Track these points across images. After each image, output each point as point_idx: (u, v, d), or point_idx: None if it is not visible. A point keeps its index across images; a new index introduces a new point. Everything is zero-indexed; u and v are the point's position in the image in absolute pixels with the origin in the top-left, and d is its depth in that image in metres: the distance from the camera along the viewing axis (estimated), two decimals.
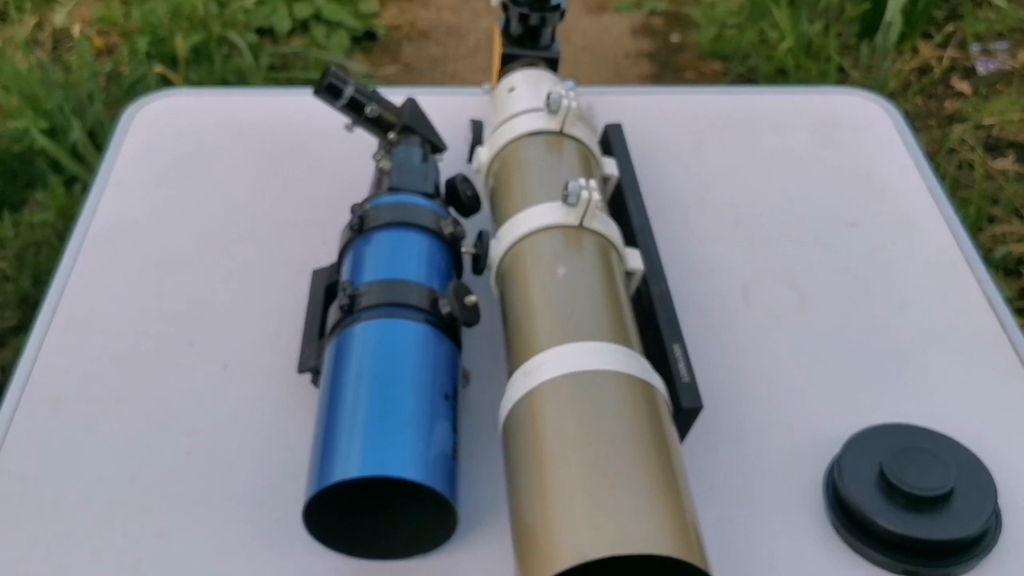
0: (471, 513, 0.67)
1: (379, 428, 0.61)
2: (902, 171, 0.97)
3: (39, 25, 2.31)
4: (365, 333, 0.67)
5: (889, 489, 0.65)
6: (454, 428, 0.64)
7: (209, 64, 2.17)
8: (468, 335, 0.79)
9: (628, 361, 0.63)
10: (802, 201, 0.94)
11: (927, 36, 2.52)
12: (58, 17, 2.11)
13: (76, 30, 2.03)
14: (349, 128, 0.87)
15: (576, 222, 0.73)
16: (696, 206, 0.93)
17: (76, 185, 1.86)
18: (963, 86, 2.39)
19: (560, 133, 0.83)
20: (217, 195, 0.92)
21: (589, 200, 0.72)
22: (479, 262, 0.76)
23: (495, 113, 0.90)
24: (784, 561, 0.66)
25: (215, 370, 0.77)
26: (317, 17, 2.58)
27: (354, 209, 0.76)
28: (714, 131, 1.02)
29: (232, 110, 1.04)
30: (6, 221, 1.76)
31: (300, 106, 1.04)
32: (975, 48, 2.49)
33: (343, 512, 0.64)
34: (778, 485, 0.70)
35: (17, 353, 0.79)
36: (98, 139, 1.93)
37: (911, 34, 2.43)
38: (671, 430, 0.61)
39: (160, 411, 0.74)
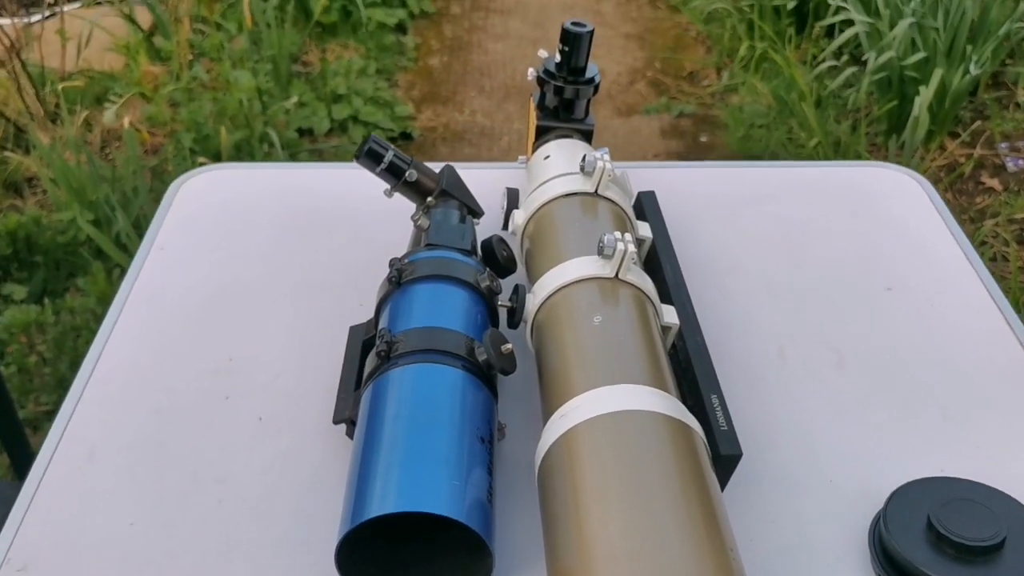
0: (506, 565, 0.65)
1: (415, 466, 0.60)
2: (937, 238, 0.97)
3: (88, 126, 2.40)
4: (402, 377, 0.67)
5: (938, 540, 0.63)
6: (490, 472, 0.64)
7: (250, 159, 2.24)
8: (503, 392, 0.79)
9: (666, 403, 0.63)
10: (836, 267, 0.94)
11: (954, 135, 2.55)
12: (107, 115, 2.20)
13: (124, 124, 2.10)
14: (388, 193, 0.89)
15: (612, 274, 0.74)
16: (729, 271, 0.94)
17: (117, 272, 1.90)
18: (993, 182, 2.41)
19: (595, 194, 0.85)
20: (256, 260, 0.94)
21: (624, 252, 0.73)
22: (515, 315, 0.77)
23: (530, 180, 0.92)
24: None
25: (251, 422, 0.77)
26: (355, 118, 2.66)
27: (392, 263, 0.77)
28: (745, 202, 1.03)
29: (271, 182, 1.07)
30: (47, 307, 1.79)
31: (336, 179, 1.08)
32: (1003, 147, 2.52)
33: (376, 556, 0.63)
34: (821, 538, 0.68)
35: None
36: (142, 230, 1.97)
37: (938, 132, 2.46)
38: (711, 474, 0.60)
39: (194, 461, 0.74)
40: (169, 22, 2.45)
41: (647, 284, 0.75)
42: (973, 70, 2.26)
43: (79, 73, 2.55)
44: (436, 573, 0.63)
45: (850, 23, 2.59)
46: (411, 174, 0.87)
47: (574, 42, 0.94)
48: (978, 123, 2.56)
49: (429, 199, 0.88)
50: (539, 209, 0.85)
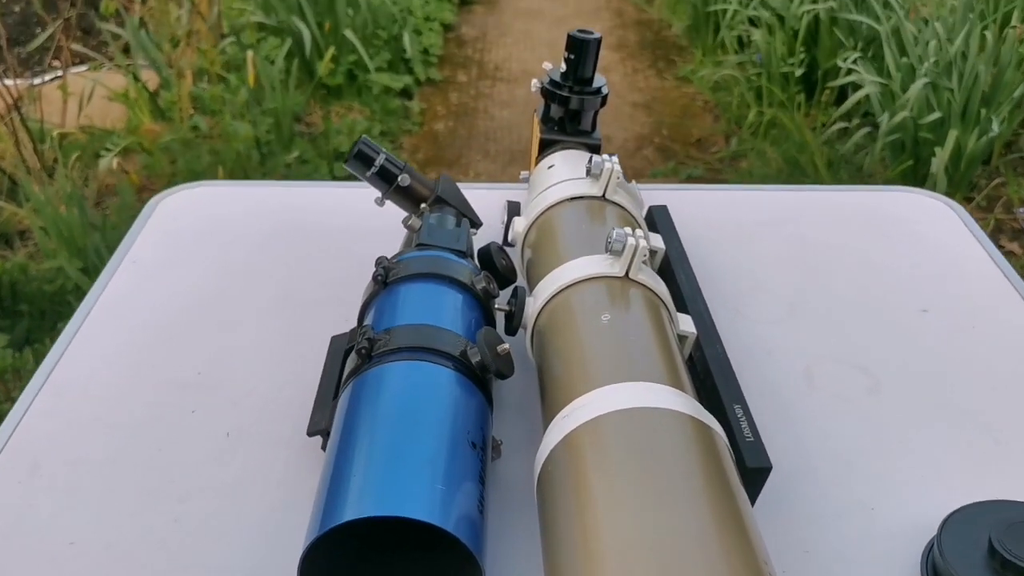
0: None
1: (394, 467, 0.52)
2: (973, 259, 0.90)
3: (86, 181, 2.36)
4: (384, 374, 0.59)
5: (1003, 567, 0.54)
6: (482, 481, 0.55)
7: None
8: (499, 408, 0.70)
9: (684, 402, 0.54)
10: (865, 289, 0.87)
11: (968, 199, 2.49)
12: (102, 163, 2.15)
13: (114, 166, 2.05)
14: (380, 201, 0.82)
15: (621, 272, 0.66)
16: (749, 292, 0.86)
17: None
18: (1012, 246, 2.34)
19: (603, 199, 0.78)
20: (234, 274, 0.87)
21: (636, 248, 0.66)
22: (513, 320, 0.69)
23: (531, 191, 0.85)
24: None
25: (218, 438, 0.69)
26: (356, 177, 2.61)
27: (379, 261, 0.70)
28: (765, 225, 0.96)
29: (253, 200, 1.00)
30: (26, 353, 1.71)
31: (321, 196, 1.02)
32: (1021, 211, 2.46)
33: (340, 560, 0.54)
34: (864, 570, 0.59)
35: None
36: None
37: (954, 195, 2.40)
38: (738, 482, 0.52)
39: (148, 478, 0.65)
40: (172, 78, 2.42)
41: (660, 287, 0.68)
42: (995, 128, 2.20)
43: (80, 129, 2.52)
44: None
45: (860, 86, 2.55)
46: (404, 179, 0.80)
47: (580, 50, 0.88)
48: (993, 185, 2.50)
49: (423, 206, 0.81)
50: (541, 215, 0.78)
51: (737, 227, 0.96)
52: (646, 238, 0.70)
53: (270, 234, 0.93)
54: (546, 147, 0.92)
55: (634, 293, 0.66)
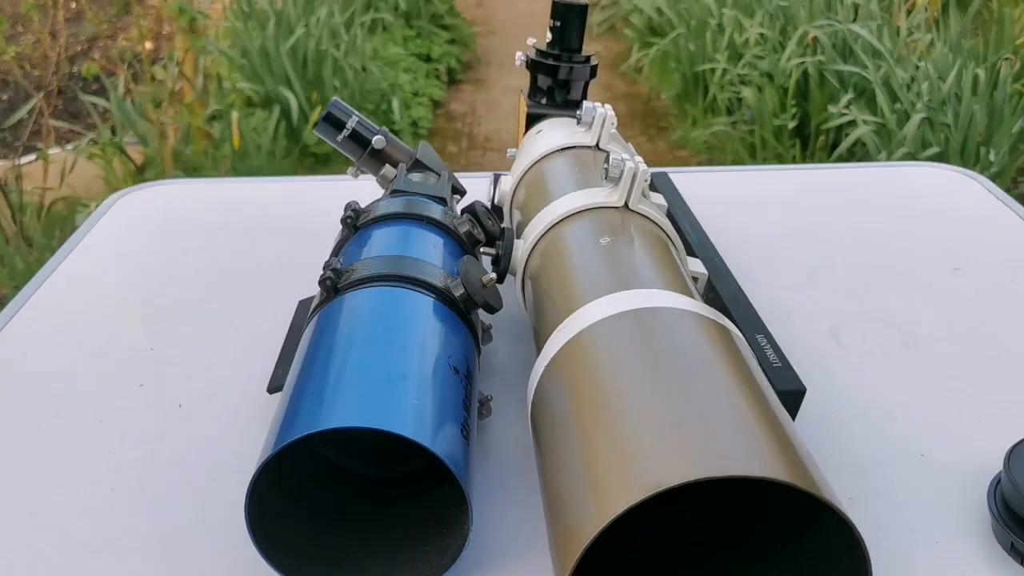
0: (490, 557, 0.47)
1: (363, 381, 0.44)
2: (1000, 220, 0.83)
3: None
4: (355, 301, 0.51)
5: None
6: (466, 407, 0.47)
7: None
8: (487, 370, 0.62)
9: (696, 304, 0.47)
10: (889, 254, 0.79)
11: None
12: (78, 219, 2.09)
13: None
14: (355, 172, 0.76)
15: (620, 202, 0.59)
16: (762, 261, 0.78)
17: None
18: None
19: (596, 148, 0.71)
20: (191, 263, 0.79)
21: (635, 174, 0.59)
22: (500, 263, 0.61)
23: (519, 158, 0.78)
24: None
25: (168, 410, 0.60)
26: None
27: (349, 205, 0.62)
28: (774, 201, 0.89)
29: (213, 195, 0.93)
30: None
31: (286, 192, 0.95)
32: None
33: (306, 513, 0.45)
34: (921, 514, 0.50)
35: None
36: None
37: None
38: (762, 376, 0.43)
39: (85, 448, 0.56)
40: (152, 135, 2.36)
41: (665, 221, 0.60)
42: (993, 159, 2.15)
43: (62, 200, 2.47)
44: (393, 543, 0.45)
45: (854, 126, 2.52)
46: (379, 140, 0.74)
47: (566, 16, 0.82)
48: None
49: (401, 166, 0.74)
50: (530, 169, 0.71)
51: (746, 204, 0.89)
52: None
53: (231, 226, 0.85)
54: (534, 121, 0.85)
55: (637, 223, 0.58)
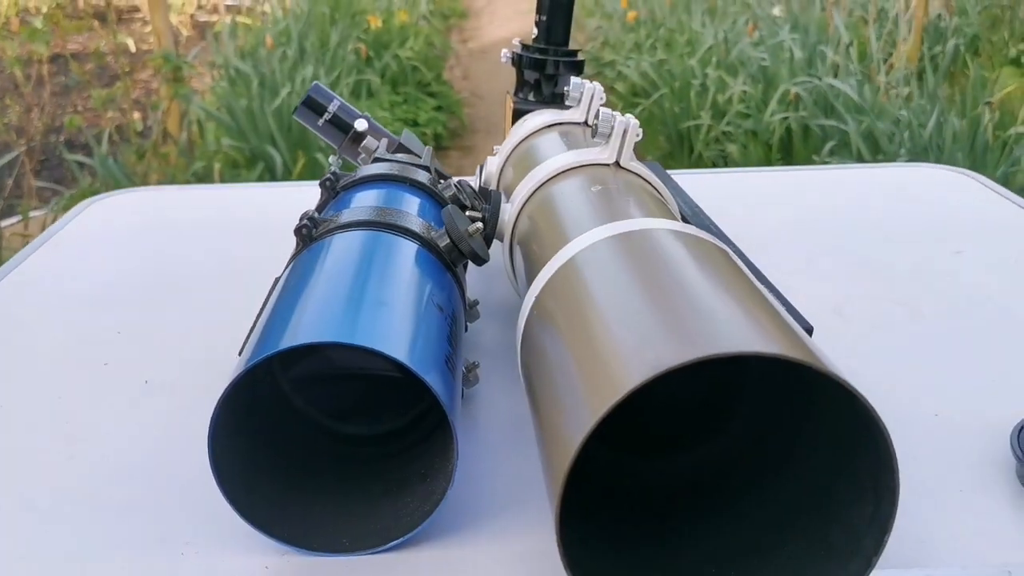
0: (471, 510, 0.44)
1: (342, 304, 0.40)
2: (1000, 211, 0.81)
3: None
4: (334, 242, 0.47)
5: None
6: (451, 343, 0.43)
7: None
8: (474, 342, 0.59)
9: (693, 229, 0.44)
10: (888, 242, 0.77)
11: None
12: None
13: None
14: (337, 163, 0.73)
15: (612, 159, 0.56)
16: (758, 249, 0.75)
17: None
18: None
19: (586, 124, 0.68)
20: (161, 257, 0.76)
21: (627, 128, 0.56)
22: (487, 226, 0.58)
23: (505, 143, 0.76)
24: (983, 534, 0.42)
25: (133, 386, 0.56)
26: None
27: (332, 165, 0.60)
28: (768, 200, 0.87)
29: (185, 199, 0.91)
30: None
31: (267, 196, 0.93)
32: None
33: (283, 473, 0.42)
34: (941, 465, 0.47)
35: None
36: None
37: None
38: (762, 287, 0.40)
39: (43, 420, 0.52)
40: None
41: (658, 182, 0.58)
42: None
43: None
44: (370, 495, 0.42)
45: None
46: (360, 123, 0.72)
47: (552, 9, 0.82)
48: None
49: (385, 140, 0.72)
50: (516, 147, 0.69)
51: (746, 202, 0.87)
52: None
53: (202, 226, 0.82)
54: (520, 117, 0.83)
55: (629, 180, 0.55)
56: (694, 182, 0.82)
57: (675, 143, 3.60)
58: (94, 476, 0.47)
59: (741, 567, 0.37)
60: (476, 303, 0.60)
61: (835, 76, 3.07)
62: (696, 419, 0.46)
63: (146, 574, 0.40)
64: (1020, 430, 0.46)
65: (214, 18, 4.60)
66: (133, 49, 3.81)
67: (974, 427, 0.50)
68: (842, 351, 0.59)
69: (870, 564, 0.33)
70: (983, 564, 0.40)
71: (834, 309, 0.66)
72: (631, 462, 0.45)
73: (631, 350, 0.31)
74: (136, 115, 3.13)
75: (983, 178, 0.88)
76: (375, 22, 4.27)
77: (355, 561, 0.40)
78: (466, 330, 0.56)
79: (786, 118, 2.96)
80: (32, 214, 2.76)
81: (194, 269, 0.73)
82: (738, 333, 0.31)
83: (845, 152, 2.54)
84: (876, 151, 2.58)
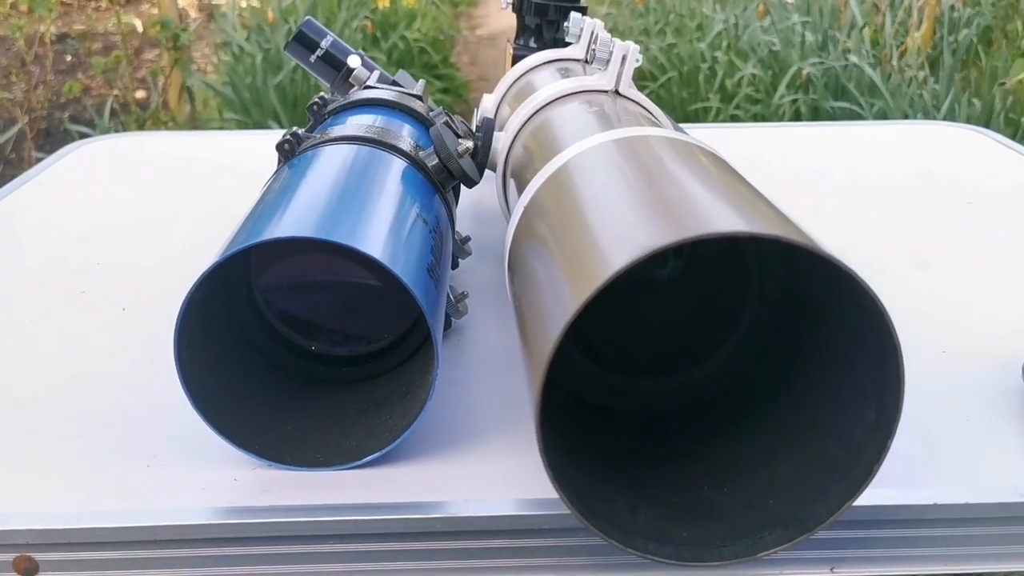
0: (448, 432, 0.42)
1: (324, 204, 0.38)
2: (1014, 164, 0.79)
3: None
4: (318, 154, 0.45)
5: None
6: (435, 256, 0.41)
7: None
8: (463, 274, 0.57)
9: (689, 138, 0.42)
10: (895, 193, 0.75)
11: None
12: None
13: None
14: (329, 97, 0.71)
15: (611, 85, 0.54)
16: None
17: None
18: None
19: (585, 61, 0.66)
20: (145, 196, 0.74)
21: (626, 54, 0.54)
22: (478, 155, 0.56)
23: (501, 81, 0.73)
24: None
25: (108, 313, 0.55)
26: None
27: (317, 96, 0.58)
28: (770, 156, 0.85)
29: (172, 144, 0.90)
30: None
31: (243, 142, 0.93)
32: None
33: (259, 392, 0.40)
34: (953, 396, 0.46)
35: None
36: None
37: None
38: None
39: (13, 341, 0.51)
40: None
41: (659, 111, 0.56)
42: None
43: None
44: (348, 404, 0.40)
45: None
46: (354, 59, 0.69)
47: None
48: None
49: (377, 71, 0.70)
50: (513, 84, 0.67)
51: (752, 155, 0.84)
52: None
53: (191, 170, 0.81)
54: None
55: (629, 108, 0.53)
56: (701, 136, 0.80)
57: None
58: (60, 391, 0.46)
59: (736, 484, 0.35)
60: (468, 239, 0.58)
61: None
62: (694, 341, 0.44)
63: (110, 486, 0.38)
64: None
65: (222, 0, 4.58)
66: (140, 30, 3.80)
67: (981, 362, 0.49)
68: None
69: (871, 472, 0.31)
70: (992, 487, 0.38)
71: (837, 253, 0.63)
72: (628, 384, 0.43)
73: (618, 235, 0.29)
74: (141, 94, 3.11)
75: (995, 134, 0.86)
76: (383, 3, 4.23)
77: (330, 476, 0.38)
78: (457, 265, 0.55)
79: (795, 100, 2.92)
80: None
81: (178, 208, 0.71)
82: (727, 216, 0.29)
83: None
84: None
